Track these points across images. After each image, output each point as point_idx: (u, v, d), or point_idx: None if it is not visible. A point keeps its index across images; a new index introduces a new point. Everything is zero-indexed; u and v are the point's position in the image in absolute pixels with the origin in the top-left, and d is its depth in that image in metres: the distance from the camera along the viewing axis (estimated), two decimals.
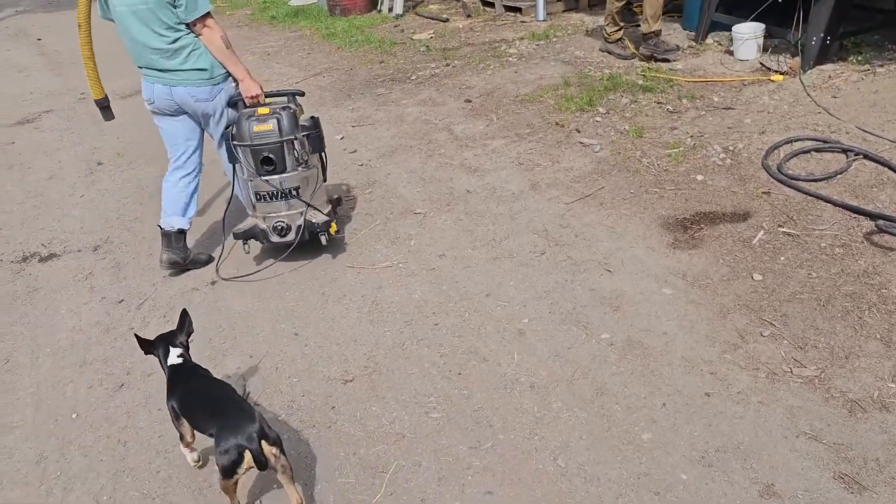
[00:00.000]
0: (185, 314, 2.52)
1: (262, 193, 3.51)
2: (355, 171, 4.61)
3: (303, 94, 3.63)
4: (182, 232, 3.70)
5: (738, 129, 4.35)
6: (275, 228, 3.55)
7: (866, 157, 3.78)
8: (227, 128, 3.56)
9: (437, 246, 3.68)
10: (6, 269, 4.01)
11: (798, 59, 4.97)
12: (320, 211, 3.62)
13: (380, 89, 5.98)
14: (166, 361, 2.42)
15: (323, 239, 3.59)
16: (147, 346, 2.46)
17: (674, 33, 6.14)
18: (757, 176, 3.85)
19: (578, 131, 4.66)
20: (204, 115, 3.55)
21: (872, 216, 3.33)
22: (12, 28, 11.10)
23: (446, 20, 7.93)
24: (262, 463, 2.09)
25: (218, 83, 3.48)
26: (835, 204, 3.48)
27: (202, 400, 2.32)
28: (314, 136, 3.56)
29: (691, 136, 4.35)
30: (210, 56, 3.41)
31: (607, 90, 5.16)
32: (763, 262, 3.20)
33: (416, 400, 2.68)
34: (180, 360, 2.42)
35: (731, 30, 5.50)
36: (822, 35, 4.86)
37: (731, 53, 5.46)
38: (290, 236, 3.56)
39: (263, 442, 2.09)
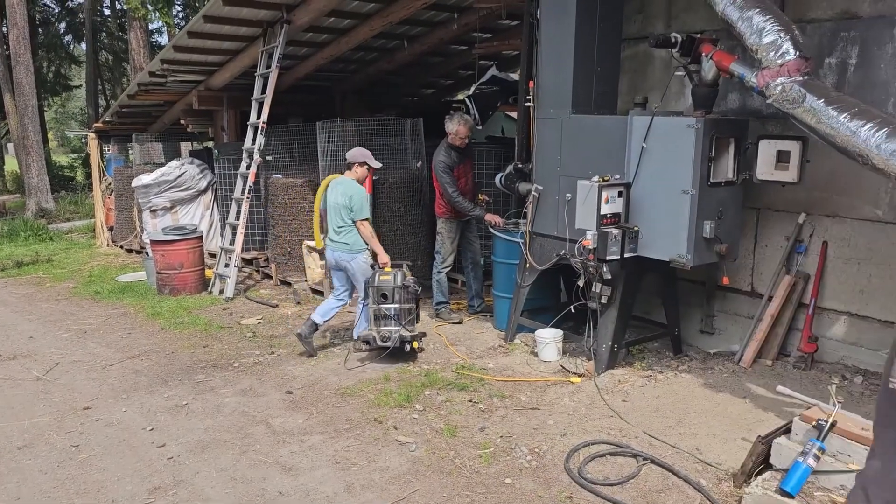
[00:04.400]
0: None
1: (378, 315, 5.94)
2: (160, 469, 4.34)
3: (410, 264, 6.46)
4: (316, 325, 6.18)
5: (542, 429, 4.66)
6: (382, 337, 5.87)
7: (653, 462, 4.15)
8: (365, 279, 6.02)
9: None
10: None
11: (592, 363, 5.56)
12: (409, 331, 5.93)
13: (199, 376, 5.88)
14: None
15: (407, 346, 5.86)
16: None
17: (486, 332, 6.72)
18: (560, 479, 4.06)
19: (396, 428, 4.76)
20: (344, 269, 6.14)
21: None
22: None
23: (276, 306, 8.17)
24: None
25: (353, 253, 6.05)
26: None
27: None
28: (413, 288, 5.98)
29: (501, 437, 4.58)
30: (355, 237, 6.02)
31: (424, 386, 5.41)
32: None
33: None
34: None
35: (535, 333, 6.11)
36: (609, 343, 5.53)
37: (536, 355, 6.01)
38: (389, 343, 5.82)
39: None
